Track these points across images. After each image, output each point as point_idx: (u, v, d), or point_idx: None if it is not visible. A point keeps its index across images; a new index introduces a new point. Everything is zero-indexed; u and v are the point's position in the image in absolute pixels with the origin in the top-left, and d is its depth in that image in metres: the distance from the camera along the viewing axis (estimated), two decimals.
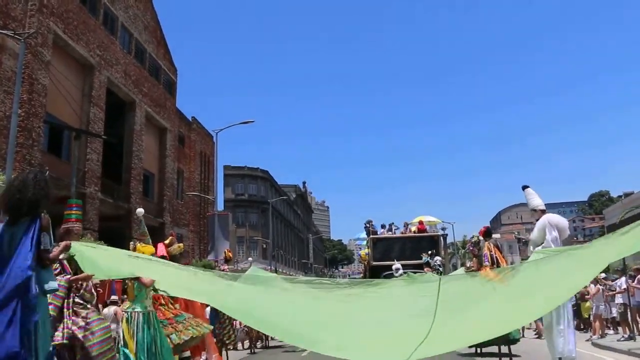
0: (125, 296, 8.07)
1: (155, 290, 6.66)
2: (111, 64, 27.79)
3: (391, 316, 4.77)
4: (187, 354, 8.58)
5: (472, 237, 10.69)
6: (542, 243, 7.45)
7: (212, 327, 8.85)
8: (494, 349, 10.47)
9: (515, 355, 10.43)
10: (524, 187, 8.26)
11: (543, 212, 7.84)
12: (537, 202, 8.04)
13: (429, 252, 14.30)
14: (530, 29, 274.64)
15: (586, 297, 17.17)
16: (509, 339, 10.02)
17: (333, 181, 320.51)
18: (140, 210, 7.76)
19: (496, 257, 9.77)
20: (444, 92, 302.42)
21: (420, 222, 22.82)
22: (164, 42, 36.82)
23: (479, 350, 11.03)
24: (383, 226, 22.95)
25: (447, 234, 41.57)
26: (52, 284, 3.73)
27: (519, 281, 4.60)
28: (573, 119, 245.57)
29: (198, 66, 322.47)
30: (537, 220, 7.77)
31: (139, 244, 7.11)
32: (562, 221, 7.70)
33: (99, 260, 4.88)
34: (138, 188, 30.59)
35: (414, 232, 22.37)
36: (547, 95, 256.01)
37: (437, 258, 11.71)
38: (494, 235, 11.26)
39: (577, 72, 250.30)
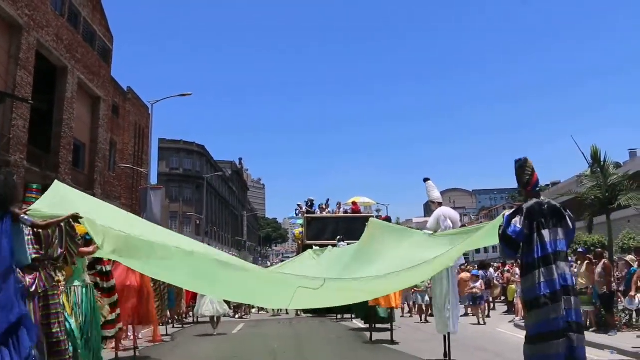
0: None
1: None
2: (41, 26, 26.29)
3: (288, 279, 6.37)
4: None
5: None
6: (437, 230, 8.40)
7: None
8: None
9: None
10: (425, 180, 9.19)
11: (440, 204, 8.88)
12: (436, 195, 9.07)
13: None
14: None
15: (512, 279, 18.04)
16: (379, 317, 12.25)
17: (270, 160, 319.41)
18: None
19: None
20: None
21: (354, 203, 23.26)
22: (100, 7, 35.14)
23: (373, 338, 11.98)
24: (319, 206, 23.19)
25: (381, 216, 42.54)
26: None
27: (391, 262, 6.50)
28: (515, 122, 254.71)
29: (137, 34, 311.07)
30: (434, 211, 8.72)
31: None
32: (455, 214, 8.80)
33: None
34: (67, 158, 29.38)
35: (347, 212, 22.76)
36: (500, 101, 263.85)
37: (342, 243, 12.86)
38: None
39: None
